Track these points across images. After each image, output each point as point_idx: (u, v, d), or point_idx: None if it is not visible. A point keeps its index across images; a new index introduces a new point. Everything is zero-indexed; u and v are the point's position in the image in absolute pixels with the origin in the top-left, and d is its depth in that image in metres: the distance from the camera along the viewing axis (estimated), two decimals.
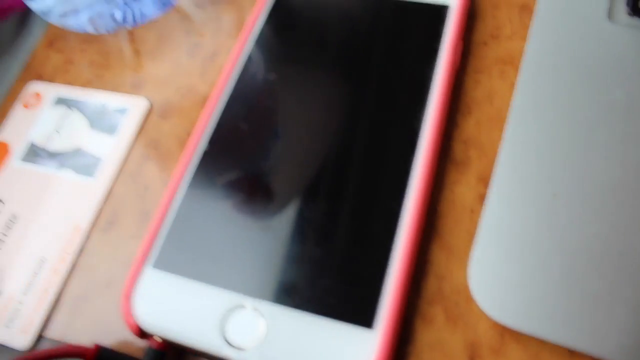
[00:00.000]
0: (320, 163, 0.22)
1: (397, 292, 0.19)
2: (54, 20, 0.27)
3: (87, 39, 0.29)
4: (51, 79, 0.28)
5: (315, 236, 0.20)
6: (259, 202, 0.21)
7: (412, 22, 0.24)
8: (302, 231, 0.20)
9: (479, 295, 0.19)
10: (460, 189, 0.22)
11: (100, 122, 0.26)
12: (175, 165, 0.24)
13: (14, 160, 0.26)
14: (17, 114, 0.27)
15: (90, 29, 0.27)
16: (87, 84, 0.28)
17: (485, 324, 0.19)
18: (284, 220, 0.21)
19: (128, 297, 0.20)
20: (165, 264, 0.21)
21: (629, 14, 0.24)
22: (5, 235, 0.24)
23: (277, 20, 0.26)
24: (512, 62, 0.24)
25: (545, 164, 0.21)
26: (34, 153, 0.26)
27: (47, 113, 0.27)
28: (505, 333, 0.19)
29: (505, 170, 0.21)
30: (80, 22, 0.27)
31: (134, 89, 0.27)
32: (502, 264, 0.19)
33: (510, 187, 0.20)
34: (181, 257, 0.20)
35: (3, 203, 0.25)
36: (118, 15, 0.27)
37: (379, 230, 0.20)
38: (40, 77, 0.28)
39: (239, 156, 0.22)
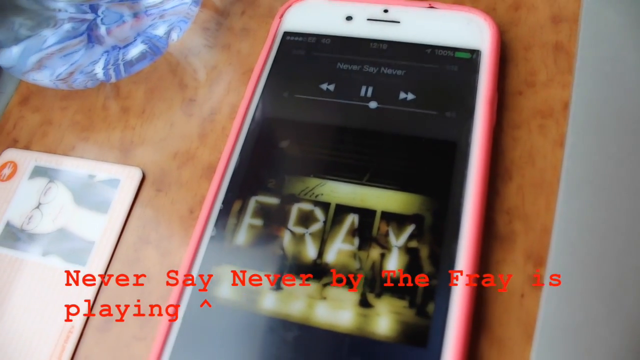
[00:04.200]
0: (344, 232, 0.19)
1: None
2: (21, 75, 0.24)
3: (67, 95, 0.26)
4: (27, 145, 0.25)
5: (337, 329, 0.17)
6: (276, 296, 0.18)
7: (443, 72, 0.22)
8: (315, 338, 0.17)
9: None
10: (507, 270, 0.19)
11: (86, 196, 0.23)
12: (177, 249, 0.21)
13: None
14: None
15: (63, 86, 0.24)
16: (70, 150, 0.24)
17: None
18: (295, 321, 0.18)
19: None
20: None
21: None
22: None
23: (284, 71, 0.23)
24: (552, 115, 0.22)
25: (607, 243, 0.18)
26: (13, 236, 0.22)
27: (24, 186, 0.23)
28: None
29: (562, 251, 0.18)
30: (52, 78, 0.23)
31: (123, 155, 0.24)
32: None
33: (569, 272, 0.18)
34: None
35: None
36: (99, 69, 0.24)
37: None
38: (14, 143, 0.25)
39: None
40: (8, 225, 0.23)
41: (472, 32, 0.22)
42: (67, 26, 0.23)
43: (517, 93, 0.22)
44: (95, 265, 0.21)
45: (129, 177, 0.23)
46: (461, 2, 0.25)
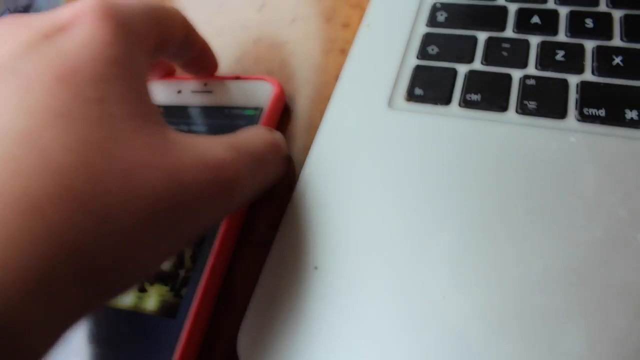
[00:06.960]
0: None
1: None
2: None
3: None
4: None
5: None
6: None
7: (234, 125, 0.29)
8: (103, 315, 0.25)
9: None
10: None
11: None
12: None
13: None
14: None
15: None
16: None
17: None
18: None
19: None
20: None
21: (406, 99, 0.28)
22: None
23: None
24: None
25: (314, 240, 0.25)
26: None
27: None
28: None
29: (280, 247, 0.25)
30: None
31: None
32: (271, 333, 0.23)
33: (282, 263, 0.24)
34: None
35: None
36: None
37: None
38: None
39: None
40: None
41: (261, 94, 0.30)
42: None
43: (297, 136, 0.30)
44: None
45: None
46: (271, 71, 0.33)
